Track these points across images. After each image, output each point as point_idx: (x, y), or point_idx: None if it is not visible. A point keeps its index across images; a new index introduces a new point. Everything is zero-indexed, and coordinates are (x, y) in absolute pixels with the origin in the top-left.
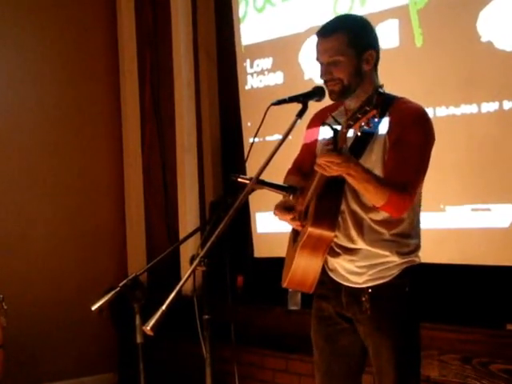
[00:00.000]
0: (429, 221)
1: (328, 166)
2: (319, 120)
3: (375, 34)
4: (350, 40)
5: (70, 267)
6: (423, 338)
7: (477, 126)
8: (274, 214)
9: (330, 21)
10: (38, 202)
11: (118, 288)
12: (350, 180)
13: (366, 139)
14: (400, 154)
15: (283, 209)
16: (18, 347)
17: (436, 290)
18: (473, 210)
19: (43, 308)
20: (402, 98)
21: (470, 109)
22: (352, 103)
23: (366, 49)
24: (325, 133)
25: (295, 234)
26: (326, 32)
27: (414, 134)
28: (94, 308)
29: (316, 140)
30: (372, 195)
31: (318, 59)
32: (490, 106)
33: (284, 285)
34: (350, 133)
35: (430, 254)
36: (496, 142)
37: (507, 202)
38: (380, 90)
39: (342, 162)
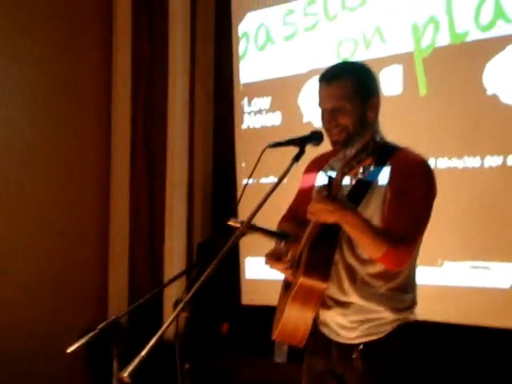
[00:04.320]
0: (426, 276)
1: (320, 213)
2: (317, 166)
3: (378, 82)
4: (355, 86)
5: (46, 306)
6: None
7: (479, 181)
8: (266, 262)
9: (334, 66)
10: (16, 236)
11: (97, 330)
12: (347, 229)
13: (363, 188)
14: (400, 205)
15: (275, 257)
16: None
17: (430, 350)
18: (472, 267)
19: (14, 349)
20: (404, 149)
21: (472, 162)
22: (351, 150)
23: (370, 96)
24: (322, 179)
25: (287, 283)
26: (331, 77)
27: (416, 186)
28: (69, 350)
29: (313, 186)
30: (369, 246)
31: (320, 105)
32: (493, 161)
33: (274, 337)
34: (347, 180)
35: (425, 310)
36: (498, 197)
37: (508, 260)
38: (376, 137)
39: (335, 209)
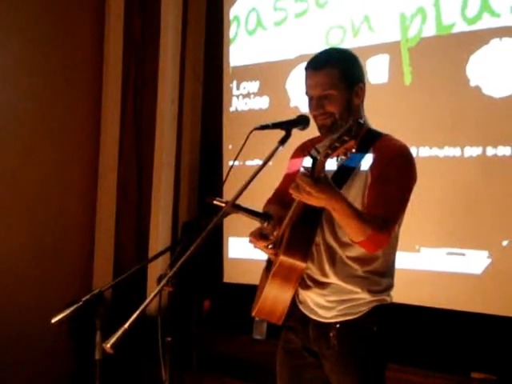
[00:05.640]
0: (402, 261)
1: (304, 193)
2: (303, 151)
3: (363, 68)
4: (341, 74)
5: (32, 279)
6: (386, 379)
7: (458, 170)
8: (249, 241)
9: (320, 54)
10: (1, 209)
11: (81, 302)
12: (333, 213)
13: (346, 173)
14: (381, 190)
15: (258, 236)
16: None
17: (404, 331)
18: (448, 253)
19: None
20: (386, 135)
21: (452, 152)
22: (335, 134)
23: (356, 82)
24: (308, 163)
25: (269, 262)
26: (317, 66)
27: (397, 172)
28: (53, 321)
29: (299, 170)
30: (353, 230)
31: (307, 93)
32: (473, 151)
33: (253, 313)
34: (334, 166)
35: (400, 294)
36: (476, 187)
37: (482, 248)
38: (360, 120)
39: (321, 193)
